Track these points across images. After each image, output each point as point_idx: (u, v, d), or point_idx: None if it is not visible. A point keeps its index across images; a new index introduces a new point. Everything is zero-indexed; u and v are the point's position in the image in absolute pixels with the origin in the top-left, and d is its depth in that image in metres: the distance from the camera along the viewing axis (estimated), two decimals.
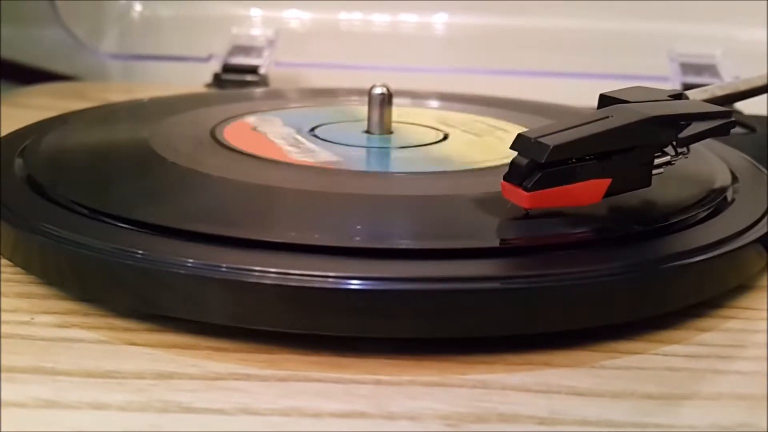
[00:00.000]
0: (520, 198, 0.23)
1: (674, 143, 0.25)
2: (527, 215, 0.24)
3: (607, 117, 0.24)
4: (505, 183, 0.24)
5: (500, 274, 0.21)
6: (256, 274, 0.21)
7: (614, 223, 0.24)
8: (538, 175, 0.23)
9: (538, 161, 0.23)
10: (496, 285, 0.21)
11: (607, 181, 0.24)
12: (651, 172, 0.25)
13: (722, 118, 0.26)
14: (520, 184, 0.23)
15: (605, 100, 0.26)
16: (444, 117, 0.36)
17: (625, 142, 0.24)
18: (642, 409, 0.19)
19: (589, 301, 0.21)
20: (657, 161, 0.25)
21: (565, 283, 0.21)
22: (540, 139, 0.23)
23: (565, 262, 0.22)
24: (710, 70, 0.52)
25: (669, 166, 0.25)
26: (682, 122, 0.25)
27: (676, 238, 0.24)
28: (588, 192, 0.24)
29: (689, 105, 0.27)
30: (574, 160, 0.23)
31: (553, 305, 0.21)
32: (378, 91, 0.33)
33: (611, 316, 0.22)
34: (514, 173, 0.24)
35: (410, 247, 0.22)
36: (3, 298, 0.23)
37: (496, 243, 0.23)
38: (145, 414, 0.18)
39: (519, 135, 0.24)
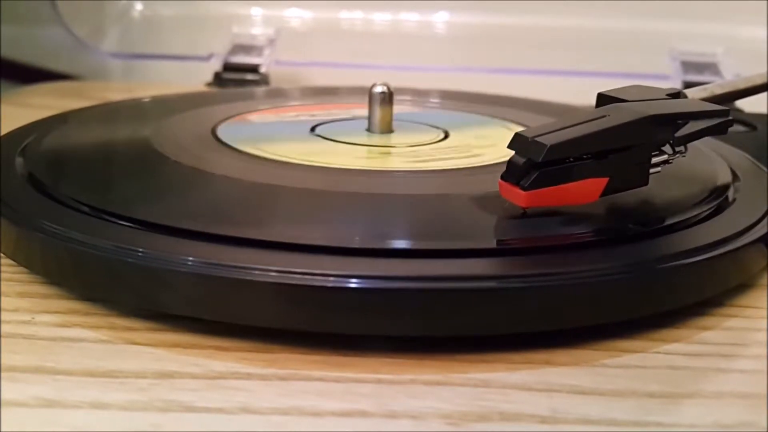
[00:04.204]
0: (518, 197, 0.23)
1: (672, 142, 0.25)
2: (525, 214, 0.24)
3: (604, 116, 0.24)
4: (503, 182, 0.24)
5: (498, 273, 0.21)
6: (257, 272, 0.21)
7: (613, 223, 0.24)
8: (535, 174, 0.23)
9: (535, 160, 0.23)
10: (493, 284, 0.21)
11: (605, 180, 0.24)
12: (648, 171, 0.25)
13: (720, 117, 0.25)
14: (517, 183, 0.23)
15: (603, 99, 0.26)
16: None
17: (622, 141, 0.24)
18: (643, 408, 0.19)
19: (589, 301, 0.21)
20: (654, 160, 0.25)
21: (563, 283, 0.21)
22: (537, 138, 0.23)
23: (563, 262, 0.22)
24: (711, 68, 0.52)
25: (667, 165, 0.25)
26: (680, 121, 0.25)
27: (677, 238, 0.24)
28: (585, 191, 0.24)
29: (686, 104, 0.27)
30: (571, 159, 0.23)
31: (551, 305, 0.21)
32: (378, 89, 0.33)
33: (611, 315, 0.22)
34: (511, 172, 0.24)
35: (409, 246, 0.22)
36: (4, 298, 0.23)
37: (493, 242, 0.23)
38: (147, 413, 0.18)
39: (516, 134, 0.24)
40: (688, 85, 0.47)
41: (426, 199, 0.26)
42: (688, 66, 0.52)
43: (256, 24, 0.58)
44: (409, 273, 0.21)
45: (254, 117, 0.35)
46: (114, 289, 0.22)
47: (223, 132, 0.32)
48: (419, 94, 0.42)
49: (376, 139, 0.32)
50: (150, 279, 0.21)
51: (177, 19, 0.58)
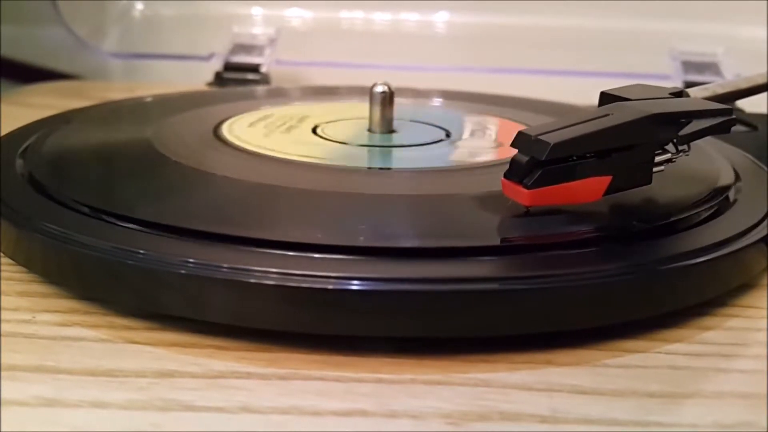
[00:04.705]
0: (521, 196, 0.23)
1: (675, 141, 0.25)
2: (528, 213, 0.24)
3: (608, 115, 0.24)
4: (506, 180, 0.24)
5: (500, 274, 0.21)
6: (257, 274, 0.20)
7: (616, 222, 0.24)
8: (539, 173, 0.23)
9: (539, 159, 0.23)
10: (495, 286, 0.21)
11: (608, 179, 0.24)
12: (651, 169, 0.25)
13: (722, 116, 0.25)
14: (520, 182, 0.23)
15: (606, 98, 0.26)
16: None
17: (626, 140, 0.24)
18: (644, 408, 0.19)
19: (591, 303, 0.21)
20: (658, 159, 0.25)
21: (566, 285, 0.21)
22: (540, 137, 0.23)
23: (566, 262, 0.22)
24: (712, 68, 0.52)
25: (670, 164, 0.25)
26: (683, 120, 0.25)
27: (679, 238, 0.24)
28: (588, 189, 0.24)
29: (689, 103, 0.26)
30: (574, 158, 0.23)
31: (554, 307, 0.21)
32: (379, 89, 0.33)
33: (613, 317, 0.22)
34: (514, 171, 0.24)
35: (411, 247, 0.22)
36: (4, 297, 0.23)
37: (496, 242, 0.23)
38: (146, 412, 0.18)
39: (519, 133, 0.24)
40: (689, 84, 0.46)
41: (427, 198, 0.26)
42: (688, 66, 0.52)
43: (257, 24, 0.57)
44: (411, 275, 0.21)
45: None
46: (114, 290, 0.22)
47: None
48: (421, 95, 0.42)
49: (377, 139, 0.32)
50: (150, 280, 0.21)
51: (177, 18, 0.58)
